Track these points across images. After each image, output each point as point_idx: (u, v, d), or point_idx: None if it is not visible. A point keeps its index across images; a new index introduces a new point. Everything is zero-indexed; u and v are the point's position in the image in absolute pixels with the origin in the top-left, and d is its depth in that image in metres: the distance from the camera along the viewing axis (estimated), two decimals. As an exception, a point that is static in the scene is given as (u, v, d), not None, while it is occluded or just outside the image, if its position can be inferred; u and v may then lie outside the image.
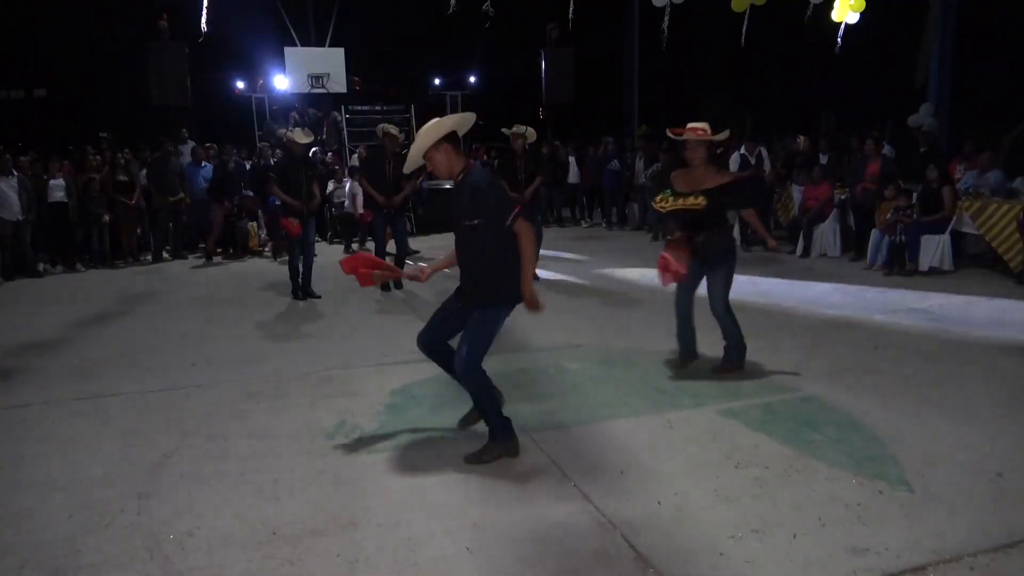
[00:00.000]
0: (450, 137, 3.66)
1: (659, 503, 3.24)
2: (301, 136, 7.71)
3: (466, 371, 3.65)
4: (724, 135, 4.97)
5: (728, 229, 5.06)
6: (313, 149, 12.21)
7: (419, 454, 3.84)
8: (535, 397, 4.65)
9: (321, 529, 3.09)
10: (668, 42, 11.15)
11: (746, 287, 7.98)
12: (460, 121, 3.78)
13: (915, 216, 8.64)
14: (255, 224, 11.55)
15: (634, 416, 4.28)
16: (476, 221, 3.57)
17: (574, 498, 3.32)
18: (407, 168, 3.98)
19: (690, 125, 4.84)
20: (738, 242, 11.21)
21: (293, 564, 2.84)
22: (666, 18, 11.20)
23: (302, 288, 7.93)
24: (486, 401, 3.77)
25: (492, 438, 3.77)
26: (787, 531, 2.97)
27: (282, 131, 8.10)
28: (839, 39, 10.65)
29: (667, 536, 2.97)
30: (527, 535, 3.00)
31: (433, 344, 3.88)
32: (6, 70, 20.72)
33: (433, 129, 3.63)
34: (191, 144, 12.78)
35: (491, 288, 3.67)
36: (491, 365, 5.33)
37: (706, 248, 4.84)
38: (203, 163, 11.61)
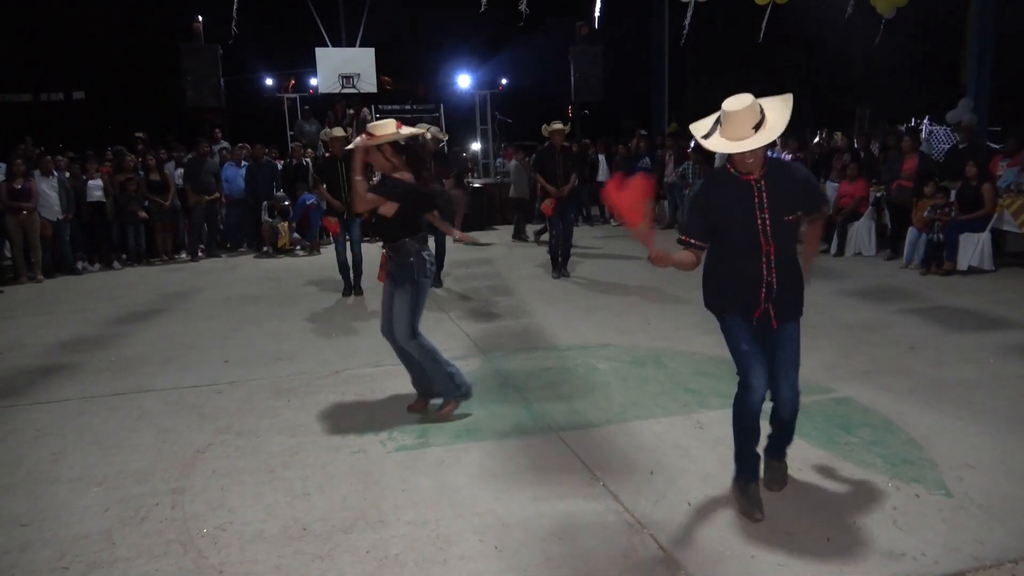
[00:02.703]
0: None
1: (689, 504, 3.20)
2: (342, 134, 7.79)
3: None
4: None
5: (420, 240, 4.23)
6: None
7: (448, 452, 3.84)
8: (564, 396, 4.64)
9: (351, 526, 3.11)
10: (699, 38, 11.08)
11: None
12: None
13: (953, 214, 8.45)
14: (286, 224, 11.68)
15: (664, 416, 4.24)
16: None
17: (603, 498, 3.30)
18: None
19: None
20: None
21: (323, 560, 2.87)
22: (688, 12, 11.11)
23: (353, 285, 8.02)
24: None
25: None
26: (820, 534, 2.92)
27: (325, 131, 8.21)
28: (881, 28, 10.47)
29: (697, 538, 2.94)
30: (555, 534, 2.99)
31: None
32: (46, 74, 21.22)
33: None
34: (224, 144, 12.99)
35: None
36: (518, 363, 5.35)
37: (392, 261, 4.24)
38: (242, 163, 11.81)
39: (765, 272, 2.92)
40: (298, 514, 3.23)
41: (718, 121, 2.88)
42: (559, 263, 8.77)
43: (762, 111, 2.82)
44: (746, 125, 2.76)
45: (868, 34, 10.93)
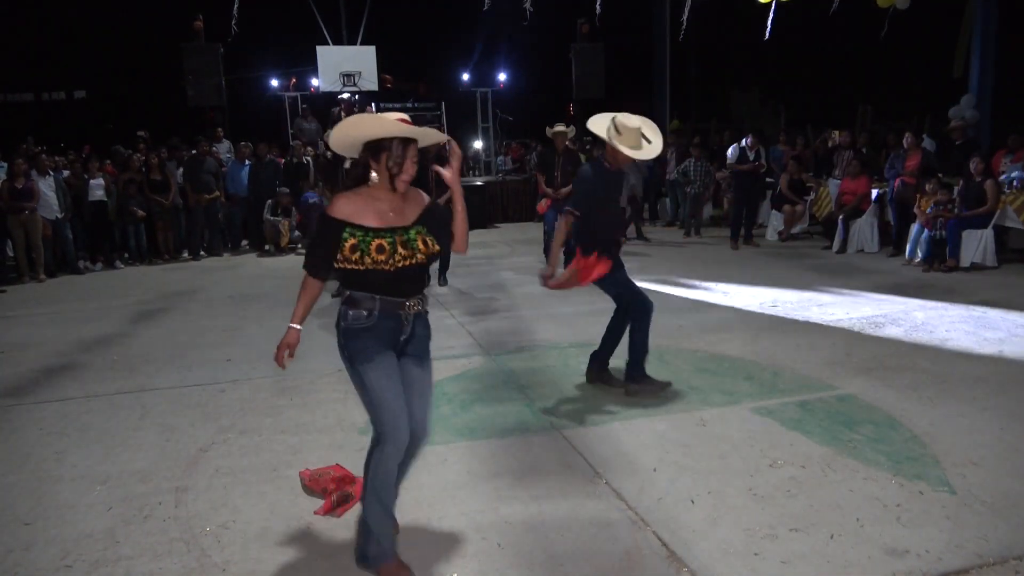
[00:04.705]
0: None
1: (692, 501, 3.20)
2: None
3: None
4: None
5: None
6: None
7: (450, 450, 3.84)
8: (566, 394, 4.64)
9: (354, 524, 3.10)
10: (700, 36, 11.09)
11: (782, 283, 7.86)
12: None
13: (956, 210, 8.43)
14: (288, 222, 11.69)
15: (667, 414, 4.24)
16: None
17: (606, 496, 3.30)
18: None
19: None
20: (775, 235, 11.15)
21: (327, 558, 2.87)
22: (686, 10, 11.11)
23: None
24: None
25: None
26: (824, 531, 2.92)
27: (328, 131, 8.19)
28: (886, 23, 10.46)
29: (701, 535, 2.93)
30: (558, 532, 2.99)
31: None
32: (48, 73, 21.24)
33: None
34: (226, 143, 13.01)
35: None
36: (521, 361, 5.35)
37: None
38: (245, 161, 11.83)
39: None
40: (301, 512, 3.23)
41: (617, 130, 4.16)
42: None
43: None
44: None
45: (871, 31, 10.92)
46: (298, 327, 2.83)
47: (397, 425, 2.61)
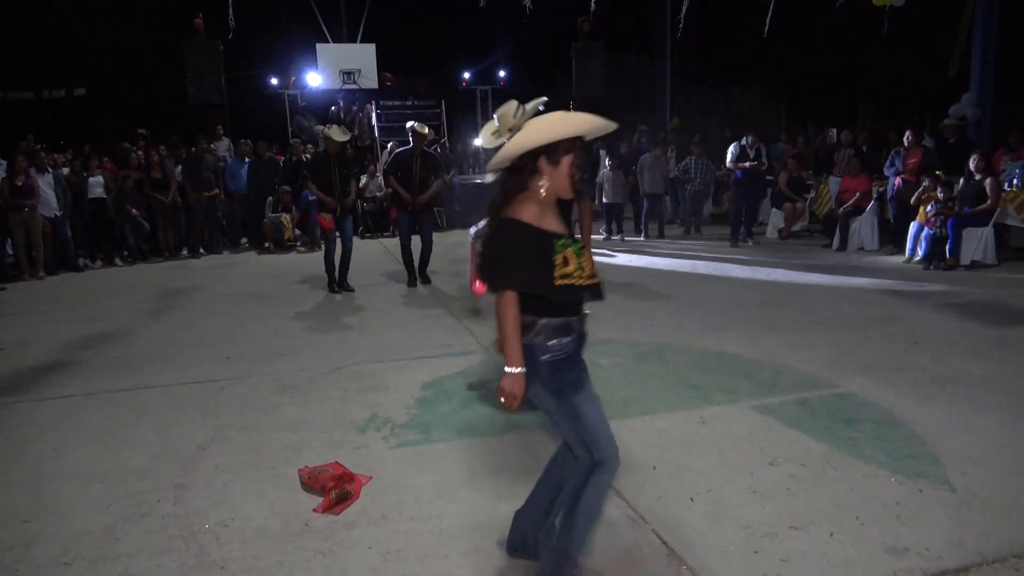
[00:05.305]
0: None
1: (692, 500, 3.20)
2: (339, 134, 7.75)
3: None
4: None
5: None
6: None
7: (450, 449, 3.84)
8: (566, 392, 4.63)
9: (353, 522, 3.10)
10: (701, 34, 11.09)
11: (782, 281, 7.86)
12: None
13: (956, 208, 8.42)
14: (288, 217, 11.68)
15: (667, 412, 4.23)
16: None
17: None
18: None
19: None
20: (775, 234, 11.14)
21: (325, 556, 2.86)
22: (683, 7, 11.11)
23: (338, 282, 8.01)
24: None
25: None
26: (824, 529, 2.92)
27: (319, 127, 8.12)
28: (885, 21, 10.46)
29: (701, 533, 2.93)
30: (558, 530, 2.98)
31: None
32: (48, 71, 21.22)
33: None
34: (226, 140, 13.00)
35: None
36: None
37: None
38: (245, 159, 11.82)
39: None
40: (300, 510, 3.22)
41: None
42: None
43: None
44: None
45: (871, 29, 10.91)
46: (521, 370, 2.31)
47: (615, 449, 2.41)
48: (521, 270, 2.25)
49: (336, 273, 7.97)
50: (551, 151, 2.30)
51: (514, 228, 2.28)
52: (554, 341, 2.32)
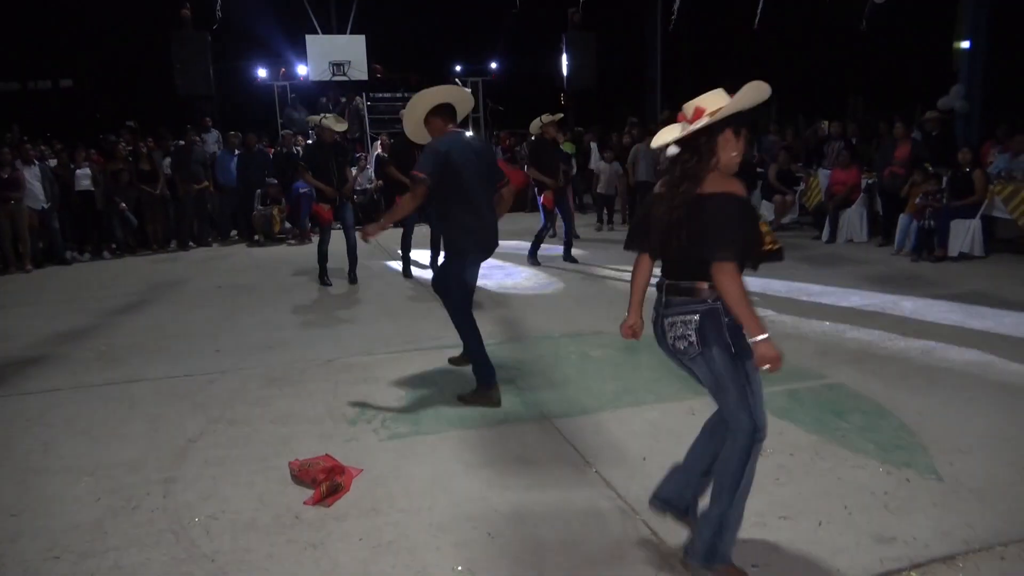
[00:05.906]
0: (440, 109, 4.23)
1: (682, 490, 3.20)
2: (335, 124, 7.70)
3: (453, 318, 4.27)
4: None
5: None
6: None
7: (441, 440, 3.84)
8: (557, 384, 4.64)
9: (344, 514, 3.10)
10: (693, 26, 11.10)
11: (771, 273, 7.89)
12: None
13: (945, 200, 8.47)
14: (278, 209, 11.63)
15: (657, 403, 4.24)
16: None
17: (596, 484, 3.30)
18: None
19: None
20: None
21: (316, 548, 2.86)
22: (677, 1, 11.11)
23: (348, 273, 7.99)
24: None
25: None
26: (812, 518, 2.93)
27: (315, 117, 8.03)
28: (864, 17, 10.47)
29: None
30: (548, 521, 2.99)
31: None
32: (33, 61, 21.00)
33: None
34: (215, 132, 12.91)
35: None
36: (512, 352, 5.35)
37: None
38: (235, 151, 11.74)
39: None
40: (290, 502, 3.22)
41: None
42: (566, 252, 8.80)
43: None
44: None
45: (860, 21, 10.92)
46: (768, 335, 2.35)
47: (765, 417, 2.47)
48: (744, 242, 2.30)
49: (329, 264, 7.92)
50: (739, 121, 2.36)
51: (731, 202, 2.31)
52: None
